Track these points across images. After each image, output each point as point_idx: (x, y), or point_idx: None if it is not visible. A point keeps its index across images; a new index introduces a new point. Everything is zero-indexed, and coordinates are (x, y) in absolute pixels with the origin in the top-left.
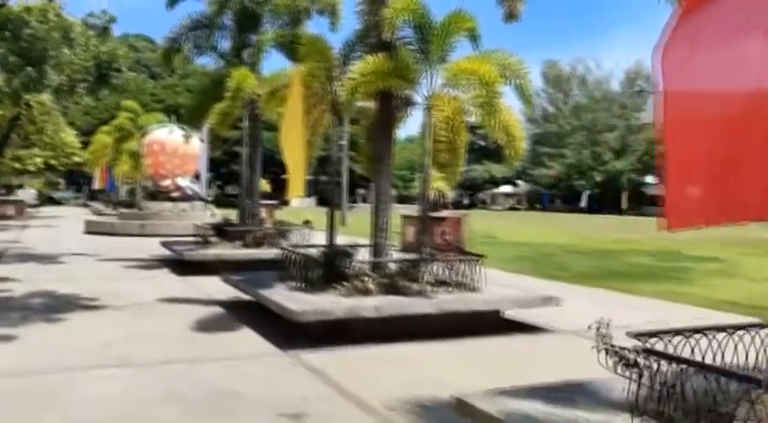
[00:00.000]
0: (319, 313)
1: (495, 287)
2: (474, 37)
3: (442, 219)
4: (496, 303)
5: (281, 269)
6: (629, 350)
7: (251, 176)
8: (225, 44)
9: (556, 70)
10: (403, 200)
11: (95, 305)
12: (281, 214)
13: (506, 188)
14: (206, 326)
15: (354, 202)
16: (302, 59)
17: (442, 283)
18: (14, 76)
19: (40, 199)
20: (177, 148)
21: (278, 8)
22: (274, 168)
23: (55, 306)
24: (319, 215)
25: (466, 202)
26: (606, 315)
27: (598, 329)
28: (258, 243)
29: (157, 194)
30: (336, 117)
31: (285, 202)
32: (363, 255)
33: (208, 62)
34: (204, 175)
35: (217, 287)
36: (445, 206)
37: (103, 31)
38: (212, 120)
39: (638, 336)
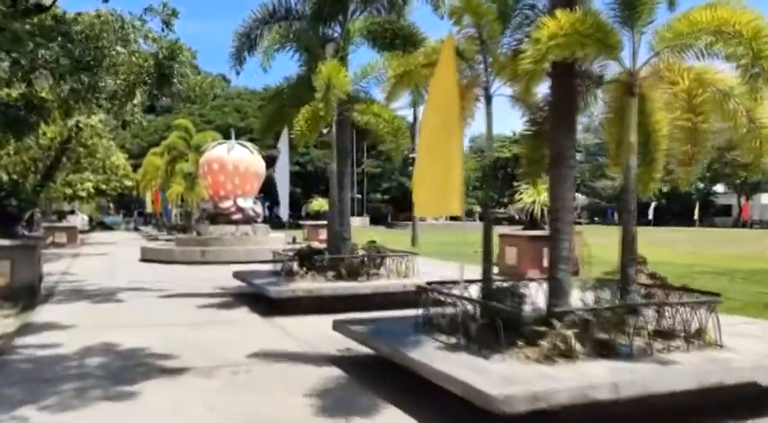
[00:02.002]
0: (534, 399)
1: (742, 340)
2: None
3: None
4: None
5: (421, 308)
6: None
7: (340, 194)
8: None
9: None
10: (459, 217)
11: (173, 368)
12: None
13: None
14: (334, 404)
15: (409, 219)
16: (454, 22)
17: (659, 334)
18: (65, 82)
19: (92, 224)
20: (238, 166)
21: None
22: (323, 186)
23: (119, 370)
24: (379, 235)
25: (519, 216)
26: None
27: None
28: (353, 273)
29: (217, 217)
30: (487, 106)
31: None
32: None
33: (287, 59)
34: (285, 192)
35: (316, 333)
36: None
37: (165, 26)
38: (297, 126)
39: None
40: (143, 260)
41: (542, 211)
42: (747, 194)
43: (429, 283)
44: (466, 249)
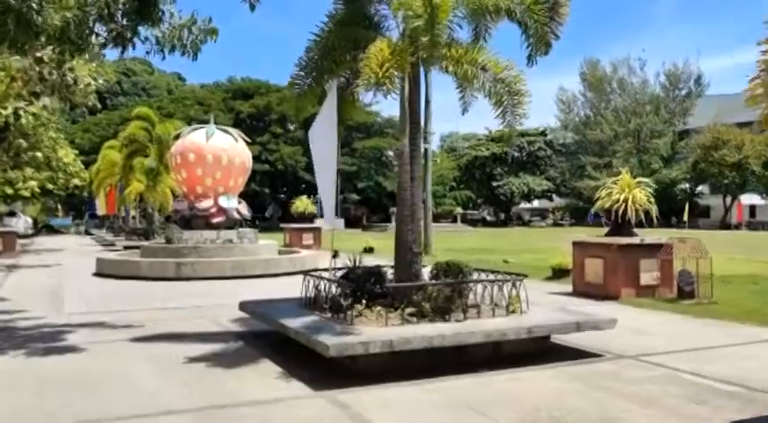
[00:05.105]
0: None
1: None
2: None
3: (655, 247)
4: None
5: None
6: None
7: (412, 187)
8: None
9: (597, 71)
10: (436, 218)
11: None
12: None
13: (538, 203)
14: None
15: (387, 220)
16: None
17: None
18: None
19: (36, 228)
20: (219, 157)
21: None
22: (302, 186)
23: None
24: (365, 239)
25: (489, 218)
26: None
27: None
28: (440, 310)
29: (192, 220)
30: None
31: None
32: None
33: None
34: (331, 178)
35: None
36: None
37: None
38: (367, 69)
39: None
40: (100, 274)
41: (636, 211)
42: (733, 195)
43: None
44: (489, 258)
